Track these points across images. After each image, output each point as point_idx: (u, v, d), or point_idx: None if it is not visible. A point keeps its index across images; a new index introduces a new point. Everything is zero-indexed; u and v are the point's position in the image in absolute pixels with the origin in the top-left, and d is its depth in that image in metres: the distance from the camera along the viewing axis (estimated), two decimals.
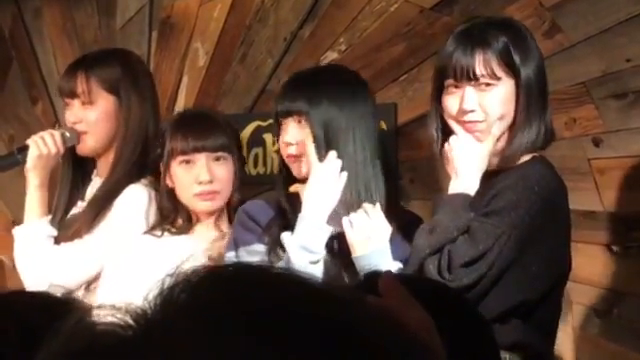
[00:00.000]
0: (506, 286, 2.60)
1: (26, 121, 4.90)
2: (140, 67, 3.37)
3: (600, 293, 3.29)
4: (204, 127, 3.05)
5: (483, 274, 2.56)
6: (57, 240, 3.22)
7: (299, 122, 2.79)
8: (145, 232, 3.11)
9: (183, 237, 3.07)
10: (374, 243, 2.70)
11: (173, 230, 3.09)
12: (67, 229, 3.21)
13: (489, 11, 3.38)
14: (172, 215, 3.10)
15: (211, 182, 3.01)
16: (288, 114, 2.81)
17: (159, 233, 3.09)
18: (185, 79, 4.36)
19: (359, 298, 0.72)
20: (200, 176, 3.00)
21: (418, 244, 2.64)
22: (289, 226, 2.80)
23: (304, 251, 2.69)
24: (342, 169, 2.75)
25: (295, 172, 2.84)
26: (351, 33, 3.85)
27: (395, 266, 2.70)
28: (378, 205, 2.77)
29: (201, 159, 3.01)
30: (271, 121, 3.84)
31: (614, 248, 3.26)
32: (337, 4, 3.88)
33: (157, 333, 0.65)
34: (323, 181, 2.73)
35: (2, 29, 5.00)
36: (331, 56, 3.88)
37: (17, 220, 4.84)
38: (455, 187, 2.67)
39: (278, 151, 2.95)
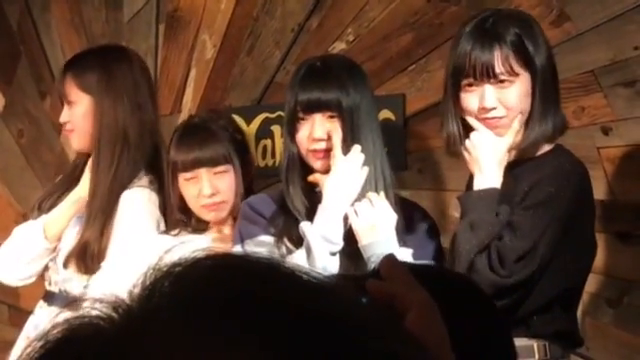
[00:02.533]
0: (547, 276, 2.62)
1: (35, 116, 4.91)
2: (122, 67, 3.31)
3: (611, 282, 3.28)
4: (202, 142, 3.10)
5: (536, 267, 2.58)
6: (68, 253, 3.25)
7: (330, 117, 2.76)
8: (161, 233, 3.17)
9: (199, 236, 3.11)
10: (379, 232, 2.70)
11: (189, 229, 3.14)
12: (81, 243, 3.22)
13: (497, 0, 3.38)
14: (185, 219, 3.15)
15: (214, 194, 3.06)
16: (318, 107, 2.76)
17: (175, 232, 3.14)
18: (193, 72, 4.36)
19: (345, 288, 0.72)
20: (203, 190, 3.06)
21: (462, 243, 2.64)
22: (293, 219, 2.80)
23: (325, 241, 2.69)
24: (364, 161, 2.76)
25: (320, 167, 2.79)
26: (359, 23, 3.84)
27: (403, 253, 2.70)
28: (382, 194, 2.77)
29: (202, 174, 3.07)
30: (280, 113, 3.84)
31: (624, 237, 3.25)
32: None
33: (137, 323, 0.65)
34: (346, 174, 2.73)
35: (10, 23, 5.00)
36: (339, 47, 3.87)
37: (27, 214, 4.86)
38: (481, 183, 2.69)
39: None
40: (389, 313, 0.91)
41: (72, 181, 3.36)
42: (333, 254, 2.72)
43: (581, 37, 3.32)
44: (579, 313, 3.19)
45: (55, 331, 0.66)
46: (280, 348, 0.63)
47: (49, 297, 3.30)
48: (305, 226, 2.73)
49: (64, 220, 3.29)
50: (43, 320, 3.24)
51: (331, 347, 0.64)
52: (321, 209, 2.74)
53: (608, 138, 3.28)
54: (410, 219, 2.84)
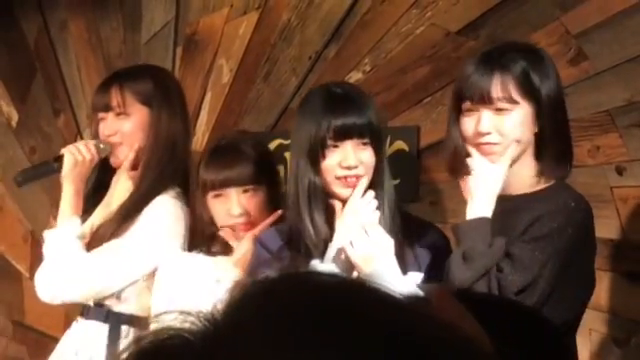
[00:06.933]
0: (546, 310, 2.61)
1: (48, 133, 4.93)
2: (171, 82, 3.42)
3: (619, 321, 3.27)
4: (233, 161, 3.10)
5: (535, 302, 2.56)
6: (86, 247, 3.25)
7: (363, 144, 2.74)
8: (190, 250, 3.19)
9: (222, 258, 3.12)
10: (377, 261, 2.69)
11: (214, 250, 3.15)
12: (94, 238, 3.23)
13: (515, 37, 3.39)
14: (209, 241, 3.16)
15: (242, 215, 3.06)
16: (351, 132, 2.73)
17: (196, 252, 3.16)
18: (208, 95, 4.38)
19: (425, 307, 0.73)
20: (231, 210, 3.06)
21: (455, 274, 2.61)
22: (298, 251, 2.79)
23: None
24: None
25: (348, 195, 2.78)
26: (376, 54, 3.86)
27: (409, 278, 2.69)
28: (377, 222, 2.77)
29: (231, 193, 3.07)
30: None
31: (634, 277, 3.25)
32: (363, 25, 3.89)
33: (225, 336, 0.66)
34: (358, 216, 2.73)
35: (27, 40, 5.03)
36: (355, 76, 3.89)
37: (35, 230, 4.86)
38: (472, 211, 2.67)
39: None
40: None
41: (94, 201, 3.33)
42: None
43: (598, 77, 3.33)
44: (586, 352, 3.19)
45: (142, 343, 0.67)
46: (370, 355, 0.64)
47: (85, 311, 3.30)
48: (316, 264, 2.73)
49: None
50: (79, 333, 3.25)
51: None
52: (330, 247, 2.74)
53: (622, 178, 3.28)
54: (424, 238, 2.84)
